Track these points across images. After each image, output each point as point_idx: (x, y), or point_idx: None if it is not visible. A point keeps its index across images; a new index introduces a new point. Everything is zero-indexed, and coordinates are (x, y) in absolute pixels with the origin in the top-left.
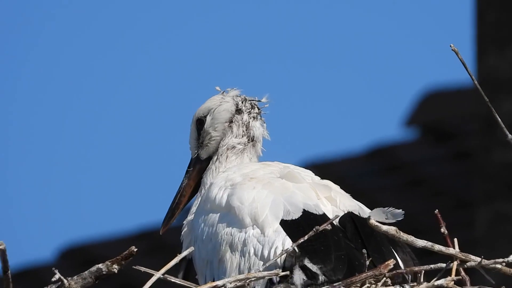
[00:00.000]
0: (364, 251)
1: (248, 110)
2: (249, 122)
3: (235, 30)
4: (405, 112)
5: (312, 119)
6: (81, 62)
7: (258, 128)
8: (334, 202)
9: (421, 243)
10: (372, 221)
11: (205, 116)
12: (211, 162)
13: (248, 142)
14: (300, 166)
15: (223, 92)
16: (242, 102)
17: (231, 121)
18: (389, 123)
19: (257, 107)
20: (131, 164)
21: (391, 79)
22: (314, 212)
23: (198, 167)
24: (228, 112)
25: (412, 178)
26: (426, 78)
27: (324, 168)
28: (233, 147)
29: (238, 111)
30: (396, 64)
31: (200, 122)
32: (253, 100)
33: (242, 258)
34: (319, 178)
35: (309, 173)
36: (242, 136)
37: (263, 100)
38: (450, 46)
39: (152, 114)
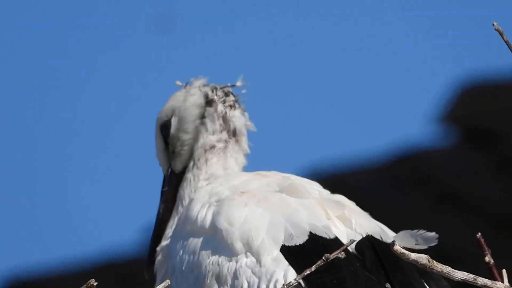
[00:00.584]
0: (388, 286)
1: (222, 99)
2: (225, 113)
3: (238, 24)
4: (436, 110)
5: (320, 119)
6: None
7: (238, 118)
8: (348, 222)
9: (460, 275)
10: (398, 248)
11: (170, 119)
12: (186, 171)
13: (230, 138)
14: (305, 177)
15: (185, 85)
16: (212, 91)
17: (202, 117)
18: (417, 125)
19: (233, 94)
20: (95, 178)
21: (419, 69)
22: (324, 235)
23: (175, 184)
24: (197, 107)
25: (447, 192)
26: (462, 67)
27: (335, 180)
28: (212, 146)
29: (209, 102)
30: (424, 51)
31: (165, 128)
32: (225, 87)
33: None
34: (329, 192)
35: (316, 185)
36: (221, 132)
37: (238, 84)
38: (493, 25)
39: (111, 127)
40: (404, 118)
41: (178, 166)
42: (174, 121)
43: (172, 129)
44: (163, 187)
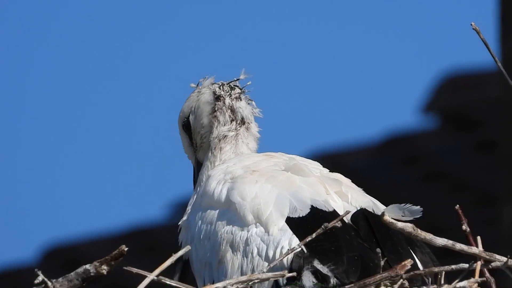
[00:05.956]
0: (378, 250)
1: (229, 93)
2: (232, 105)
3: (241, 18)
4: (422, 98)
5: (320, 106)
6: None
7: (244, 108)
8: (345, 197)
9: (441, 241)
10: (387, 218)
11: (188, 117)
12: (205, 159)
13: (240, 126)
14: (307, 158)
15: (197, 86)
16: (220, 88)
17: (214, 111)
18: (405, 110)
19: (238, 87)
20: (121, 157)
21: (407, 61)
22: (323, 208)
23: None
24: (208, 104)
25: (431, 171)
26: (445, 60)
27: (333, 160)
28: (225, 136)
29: (218, 98)
30: (412, 45)
31: (186, 126)
32: (231, 82)
33: (245, 258)
34: (328, 170)
35: (317, 165)
36: (231, 122)
37: (242, 77)
38: (471, 24)
39: (140, 108)
40: (395, 106)
41: (202, 157)
42: (192, 119)
43: (192, 126)
44: (194, 177)
